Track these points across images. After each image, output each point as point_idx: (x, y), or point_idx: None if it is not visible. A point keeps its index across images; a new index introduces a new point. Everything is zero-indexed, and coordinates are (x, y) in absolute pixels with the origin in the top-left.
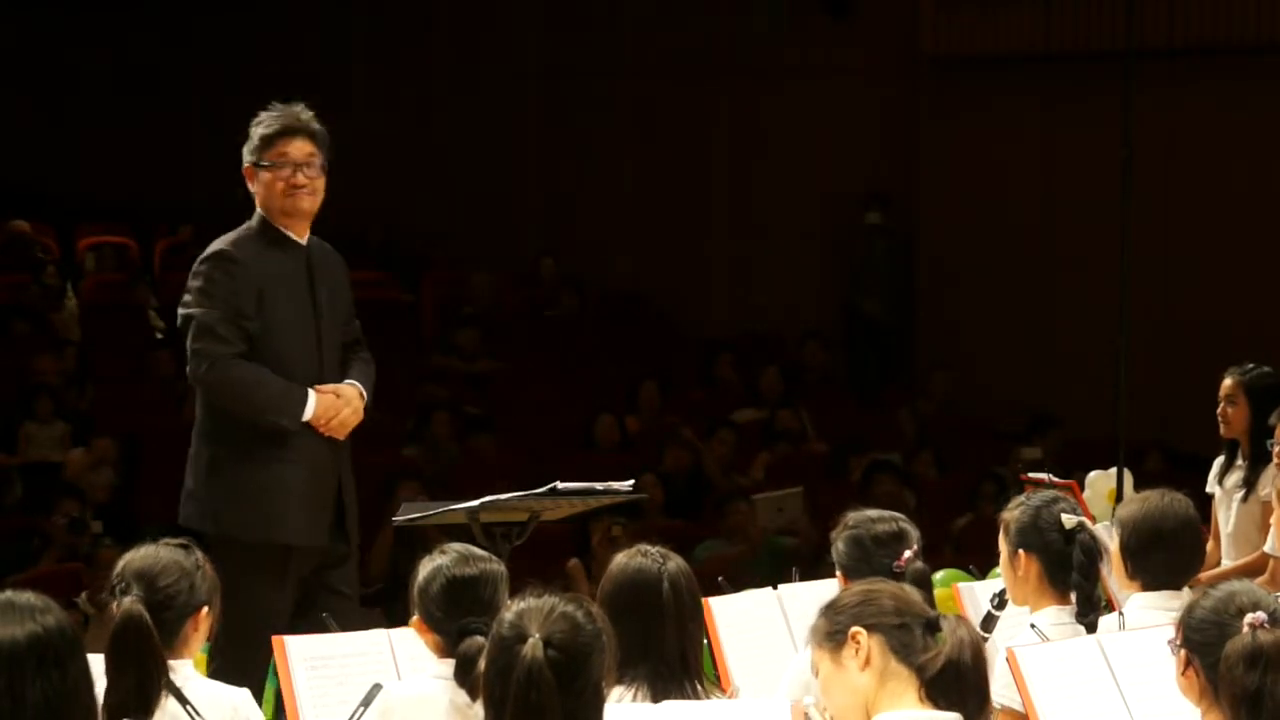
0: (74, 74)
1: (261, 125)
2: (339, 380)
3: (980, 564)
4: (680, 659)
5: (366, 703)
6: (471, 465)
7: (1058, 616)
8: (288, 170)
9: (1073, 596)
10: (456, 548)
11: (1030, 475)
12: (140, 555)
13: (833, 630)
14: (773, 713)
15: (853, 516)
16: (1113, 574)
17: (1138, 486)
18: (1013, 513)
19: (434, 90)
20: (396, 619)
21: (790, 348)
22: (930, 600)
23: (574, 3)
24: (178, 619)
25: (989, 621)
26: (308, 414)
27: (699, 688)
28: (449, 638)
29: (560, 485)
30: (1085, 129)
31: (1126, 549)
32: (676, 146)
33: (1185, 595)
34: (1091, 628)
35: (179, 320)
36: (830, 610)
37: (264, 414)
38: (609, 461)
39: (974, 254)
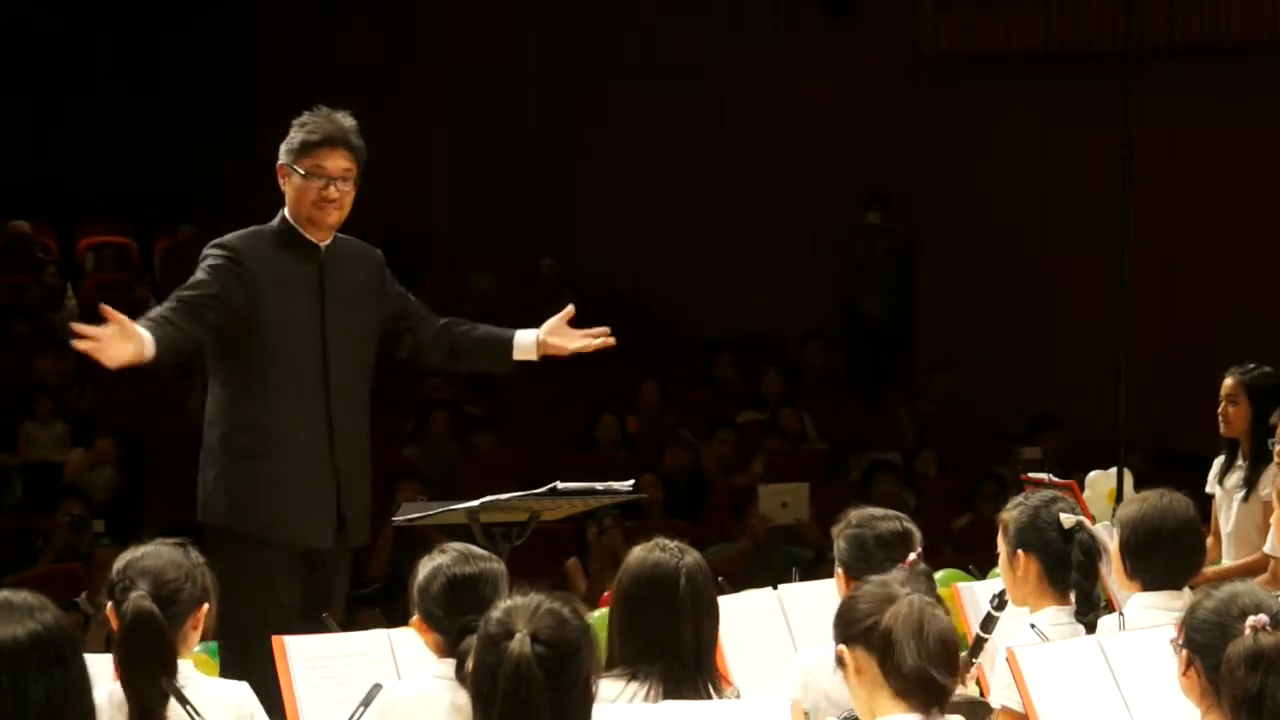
0: (74, 74)
1: (304, 130)
2: (350, 381)
3: (980, 564)
4: (695, 657)
5: (366, 703)
6: (471, 465)
7: (1057, 617)
8: (321, 182)
9: (1072, 596)
10: (457, 547)
11: (1030, 475)
12: (141, 554)
13: (836, 634)
14: (773, 713)
15: (856, 515)
16: (1113, 574)
17: (1137, 487)
18: (1011, 513)
19: (434, 90)
20: (396, 619)
21: (790, 348)
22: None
23: (574, 3)
24: (180, 616)
25: (989, 622)
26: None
27: (711, 687)
28: (449, 637)
29: (560, 485)
30: (1085, 129)
31: (1126, 549)
32: (676, 146)
33: (1186, 595)
34: (1091, 627)
35: None
36: (846, 605)
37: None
38: (609, 461)
39: (974, 254)
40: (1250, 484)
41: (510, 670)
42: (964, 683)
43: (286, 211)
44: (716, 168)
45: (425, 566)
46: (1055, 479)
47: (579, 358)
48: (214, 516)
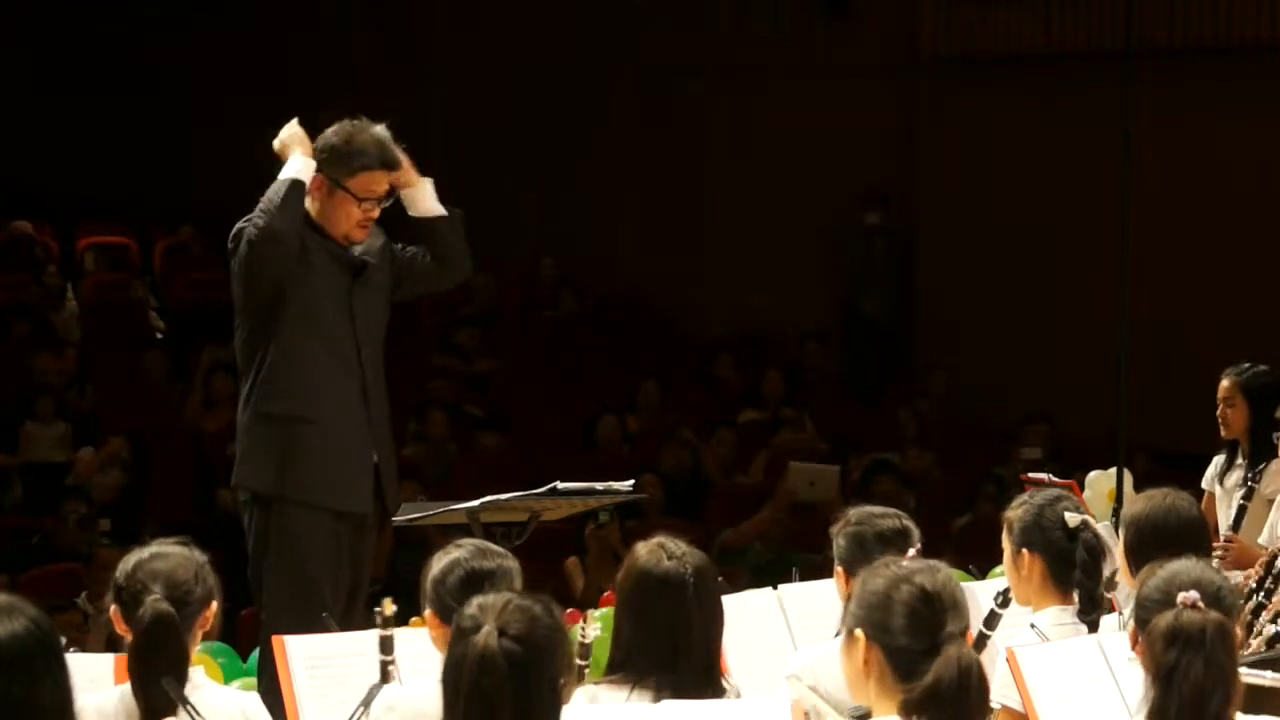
0: (74, 74)
1: (356, 149)
2: (376, 355)
3: (980, 564)
4: (705, 663)
5: (366, 703)
6: (471, 465)
7: (1059, 617)
8: (370, 204)
9: (1076, 596)
10: (473, 542)
11: (1030, 475)
12: (150, 555)
13: (848, 615)
14: (773, 713)
15: (855, 513)
16: (1119, 574)
17: (1137, 487)
18: (1016, 511)
19: (433, 90)
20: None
21: (790, 348)
22: None
23: (574, 3)
24: (190, 619)
25: (992, 619)
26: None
27: (723, 691)
28: None
29: (560, 485)
30: (1085, 129)
31: (1130, 549)
32: (676, 146)
33: None
34: (1094, 626)
35: (232, 274)
36: (858, 587)
37: (279, 208)
38: (609, 461)
39: (974, 254)
40: (1250, 483)
41: (475, 661)
42: None
43: (311, 210)
44: (716, 168)
45: (440, 561)
46: (1055, 479)
47: (579, 357)
48: (263, 484)
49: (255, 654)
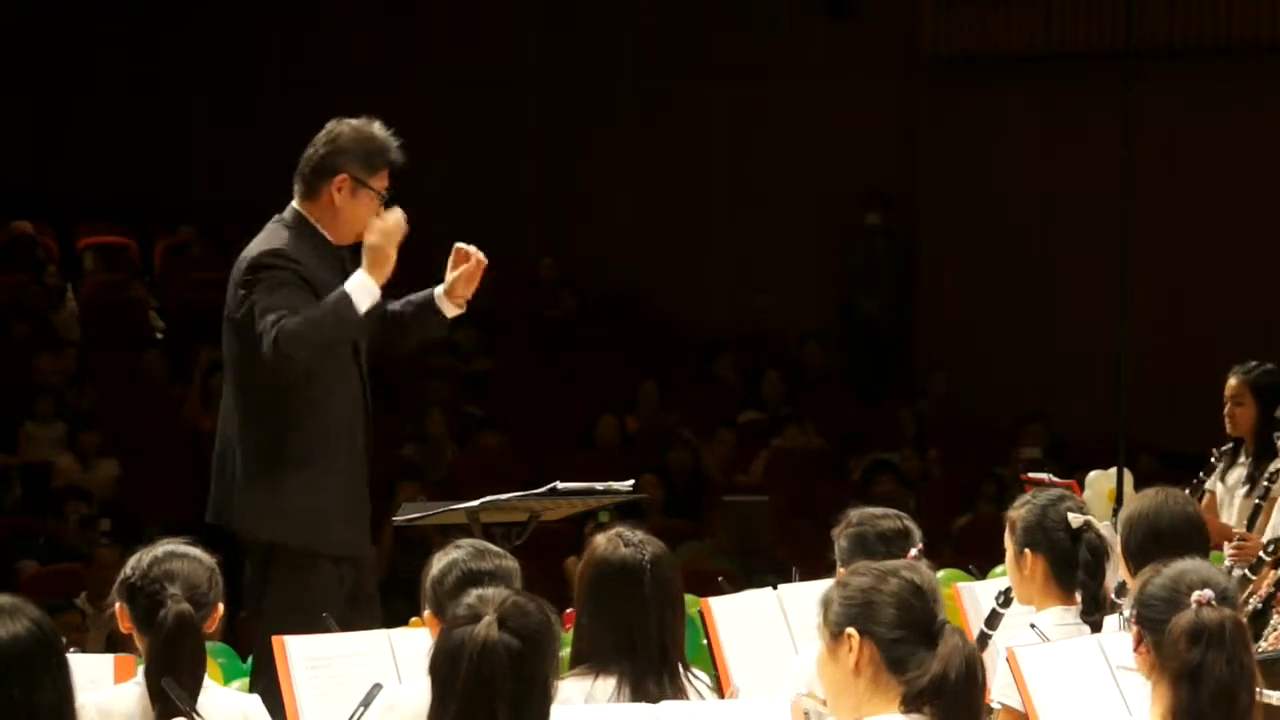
0: (74, 74)
1: (378, 147)
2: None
3: (980, 564)
4: (660, 650)
5: (366, 703)
6: (471, 465)
7: (1061, 617)
8: (380, 203)
9: (1078, 596)
10: (472, 542)
11: (1031, 475)
12: (164, 554)
13: (831, 619)
14: (773, 713)
15: (855, 514)
16: (1119, 574)
17: (1137, 486)
18: (1019, 511)
19: (434, 90)
20: (393, 619)
21: (790, 348)
22: None
23: (574, 3)
24: (203, 620)
25: (994, 619)
26: (358, 276)
27: (680, 679)
28: None
29: (560, 485)
30: (1085, 129)
31: (1128, 549)
32: (676, 146)
33: None
34: (1097, 627)
35: (234, 312)
36: (838, 591)
37: (337, 331)
38: (609, 461)
39: (974, 254)
40: (1254, 481)
41: (476, 650)
42: None
43: (308, 213)
44: (716, 168)
45: (439, 561)
46: (1055, 479)
47: (579, 357)
48: (270, 533)
49: (253, 657)
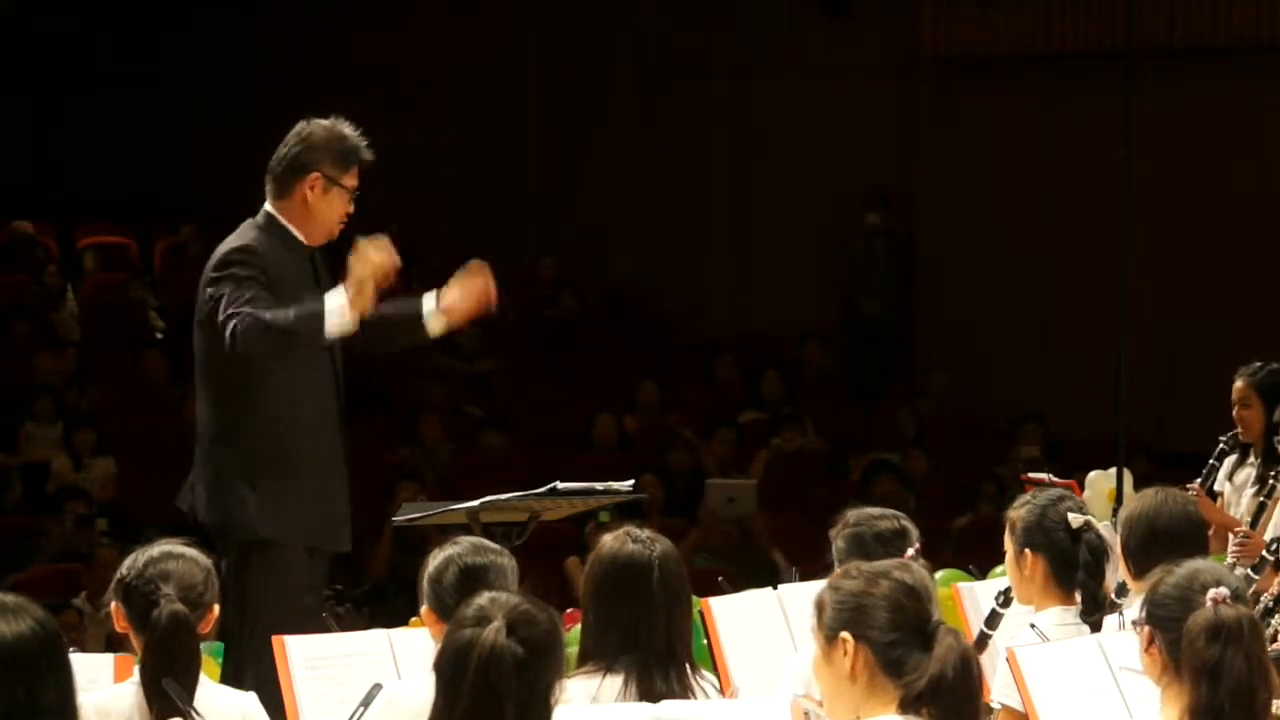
0: (75, 74)
1: (350, 144)
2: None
3: (980, 564)
4: (667, 648)
5: (366, 703)
6: (471, 465)
7: (1061, 617)
8: (348, 200)
9: (1078, 596)
10: (469, 539)
11: (1030, 475)
12: (160, 554)
13: (825, 623)
14: (773, 713)
15: (853, 514)
16: (1119, 574)
17: (1137, 486)
18: (1019, 511)
19: (434, 90)
20: (393, 619)
21: (790, 348)
22: None
23: (574, 3)
24: (198, 620)
25: (994, 619)
26: (338, 300)
27: (687, 678)
28: None
29: (560, 485)
30: (1085, 129)
31: (1127, 549)
32: (676, 146)
33: None
34: (1096, 627)
35: (203, 312)
36: (830, 594)
37: (296, 342)
38: (609, 461)
39: (974, 254)
40: (1262, 481)
41: (484, 653)
42: None
43: (280, 213)
44: (716, 168)
45: (437, 557)
46: (1055, 479)
47: (579, 357)
48: (248, 529)
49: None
